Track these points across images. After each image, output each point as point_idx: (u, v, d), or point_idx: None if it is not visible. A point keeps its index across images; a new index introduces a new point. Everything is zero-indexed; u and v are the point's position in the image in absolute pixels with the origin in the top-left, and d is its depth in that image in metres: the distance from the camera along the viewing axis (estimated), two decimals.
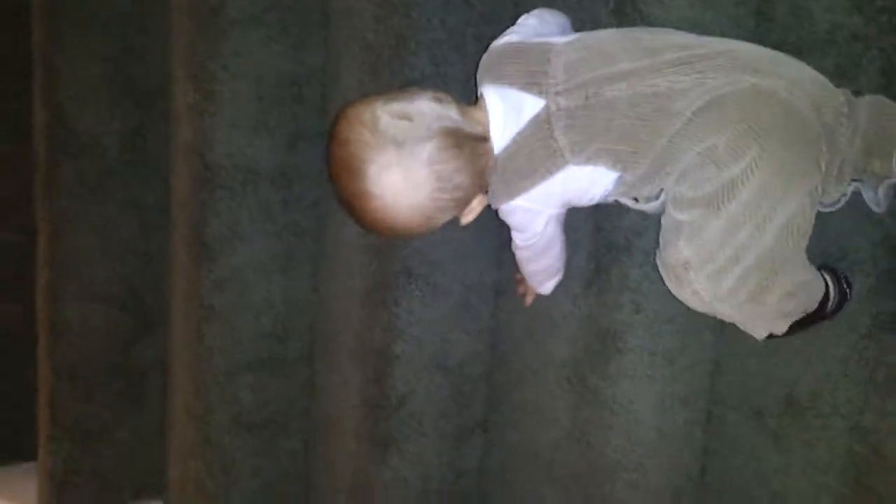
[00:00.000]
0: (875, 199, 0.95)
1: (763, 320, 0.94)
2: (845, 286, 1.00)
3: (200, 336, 1.36)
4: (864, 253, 1.02)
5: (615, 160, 0.89)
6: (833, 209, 0.96)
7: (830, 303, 0.99)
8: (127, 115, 1.43)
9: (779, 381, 1.10)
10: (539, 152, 0.90)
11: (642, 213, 1.06)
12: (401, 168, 0.87)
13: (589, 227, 1.11)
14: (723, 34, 1.05)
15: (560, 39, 0.94)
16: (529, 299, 1.18)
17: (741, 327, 0.96)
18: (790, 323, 0.96)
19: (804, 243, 0.89)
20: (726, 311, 0.91)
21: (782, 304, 0.91)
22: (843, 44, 1.01)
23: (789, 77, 0.87)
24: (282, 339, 1.37)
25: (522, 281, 1.17)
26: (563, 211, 0.99)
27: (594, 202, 0.97)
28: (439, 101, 0.91)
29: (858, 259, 1.02)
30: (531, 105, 0.90)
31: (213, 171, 1.28)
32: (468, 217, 0.96)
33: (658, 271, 1.07)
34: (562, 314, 1.17)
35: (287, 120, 1.29)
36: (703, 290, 0.88)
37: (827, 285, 0.98)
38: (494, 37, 1.16)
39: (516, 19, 1.15)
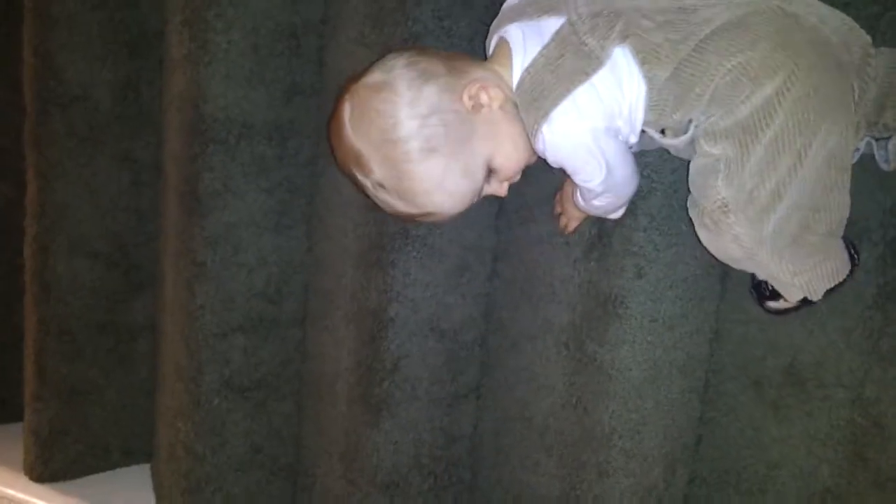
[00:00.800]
0: (885, 157, 0.92)
1: (802, 275, 0.90)
2: (854, 253, 0.98)
3: (191, 294, 1.32)
4: (874, 220, 1.00)
5: (642, 45, 0.84)
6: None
7: None
8: (119, 65, 1.38)
9: (780, 351, 1.09)
10: (569, 58, 0.85)
11: (647, 178, 1.03)
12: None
13: None
14: None
15: None
16: (573, 226, 1.09)
17: (775, 284, 0.93)
18: (827, 286, 0.92)
19: (846, 178, 0.86)
20: (765, 259, 0.86)
21: (823, 248, 0.88)
22: (861, 5, 0.98)
23: (819, 12, 0.85)
24: (274, 299, 1.35)
25: (565, 210, 1.08)
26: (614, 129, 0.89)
27: (635, 129, 0.90)
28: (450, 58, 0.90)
29: (867, 227, 1.00)
30: (552, 24, 0.87)
31: (206, 124, 1.25)
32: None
33: (662, 237, 1.06)
34: (561, 279, 1.14)
35: (284, 73, 1.25)
36: (745, 233, 0.84)
37: None
38: None
39: None
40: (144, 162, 1.44)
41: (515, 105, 0.90)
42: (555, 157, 0.89)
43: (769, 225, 0.84)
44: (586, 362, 1.13)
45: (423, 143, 0.89)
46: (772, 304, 1.03)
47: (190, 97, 1.25)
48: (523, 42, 0.88)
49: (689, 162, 0.90)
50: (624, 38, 0.85)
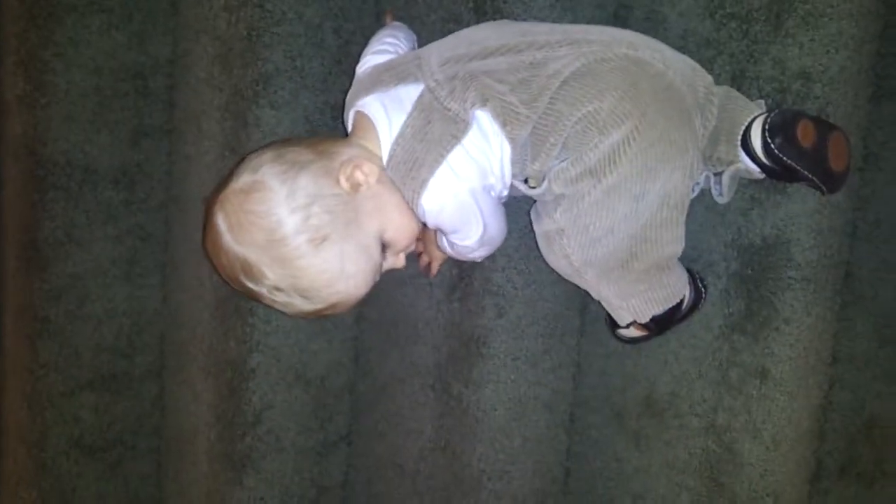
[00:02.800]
0: (720, 190, 0.96)
1: (629, 299, 0.92)
2: (701, 286, 1.01)
3: (34, 352, 1.23)
4: (717, 254, 1.04)
5: (501, 108, 0.85)
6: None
7: (685, 303, 1.00)
8: None
9: (638, 383, 1.11)
10: (436, 125, 0.85)
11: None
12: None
13: None
14: None
15: (425, 48, 0.92)
16: (436, 267, 1.09)
17: (605, 306, 0.96)
18: (654, 312, 0.95)
19: (681, 217, 0.90)
20: (593, 279, 0.90)
21: (651, 277, 0.91)
22: (694, 50, 1.03)
23: (663, 53, 0.88)
24: (127, 353, 1.27)
25: (427, 251, 1.07)
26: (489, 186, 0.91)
27: (506, 184, 0.91)
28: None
29: (711, 260, 1.04)
30: (412, 93, 0.87)
31: (46, 169, 1.17)
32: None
33: (520, 275, 1.07)
34: (425, 320, 1.13)
35: (129, 114, 1.19)
36: (575, 256, 0.88)
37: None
38: (354, 31, 1.12)
39: (377, 15, 1.12)
40: None
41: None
42: (435, 221, 0.89)
43: (599, 252, 0.87)
44: (453, 404, 1.12)
45: (313, 234, 0.85)
46: (623, 332, 1.05)
47: (27, 141, 1.17)
48: (386, 114, 0.87)
49: None
50: (484, 101, 0.86)
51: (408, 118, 0.86)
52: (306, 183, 0.86)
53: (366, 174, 0.87)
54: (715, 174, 0.97)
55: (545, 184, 0.88)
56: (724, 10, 1.01)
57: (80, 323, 1.23)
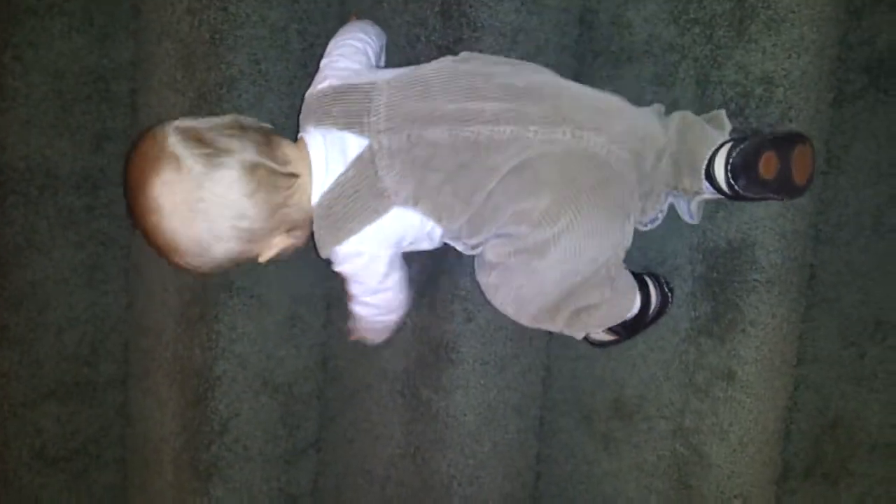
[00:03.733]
0: (688, 213, 0.98)
1: (566, 329, 0.95)
2: (667, 290, 1.02)
3: None
4: (682, 258, 1.05)
5: (433, 207, 0.87)
6: (651, 227, 0.98)
7: (652, 308, 1.00)
8: None
9: (607, 386, 1.11)
10: (364, 194, 0.86)
11: None
12: (179, 190, 0.81)
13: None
14: (547, 41, 1.06)
15: (382, 76, 0.90)
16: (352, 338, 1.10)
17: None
18: (595, 331, 1.00)
19: (619, 271, 0.92)
20: (528, 323, 0.94)
21: (579, 316, 0.93)
22: (659, 54, 1.04)
23: (610, 132, 0.87)
24: (90, 361, 1.24)
25: (354, 330, 1.07)
26: (399, 253, 0.93)
27: (435, 245, 0.94)
28: (242, 129, 0.85)
29: (677, 264, 1.05)
30: (355, 144, 0.87)
31: (5, 175, 1.14)
32: (265, 255, 0.89)
33: None
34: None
35: (91, 119, 1.17)
36: (509, 308, 0.93)
37: (648, 290, 0.99)
38: (318, 34, 1.11)
39: (342, 18, 1.11)
40: None
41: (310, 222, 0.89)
42: (337, 266, 0.91)
43: (531, 308, 0.91)
44: (422, 410, 1.11)
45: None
46: (593, 336, 1.06)
47: None
48: (325, 159, 0.87)
49: None
50: (416, 202, 0.86)
51: (342, 176, 0.87)
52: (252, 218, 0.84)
53: (293, 243, 0.89)
54: (678, 196, 0.98)
55: (479, 249, 0.92)
56: (688, 16, 1.02)
57: (41, 331, 1.20)
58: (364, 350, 1.16)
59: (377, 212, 0.87)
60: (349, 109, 0.87)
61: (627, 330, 1.03)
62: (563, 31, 1.07)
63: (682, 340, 1.05)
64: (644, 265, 1.05)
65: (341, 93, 0.89)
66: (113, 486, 1.32)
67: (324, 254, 0.89)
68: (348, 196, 0.86)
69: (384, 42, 1.05)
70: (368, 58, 0.98)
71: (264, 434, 1.18)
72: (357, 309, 0.99)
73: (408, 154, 0.85)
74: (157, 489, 1.23)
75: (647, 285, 1.01)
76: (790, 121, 0.99)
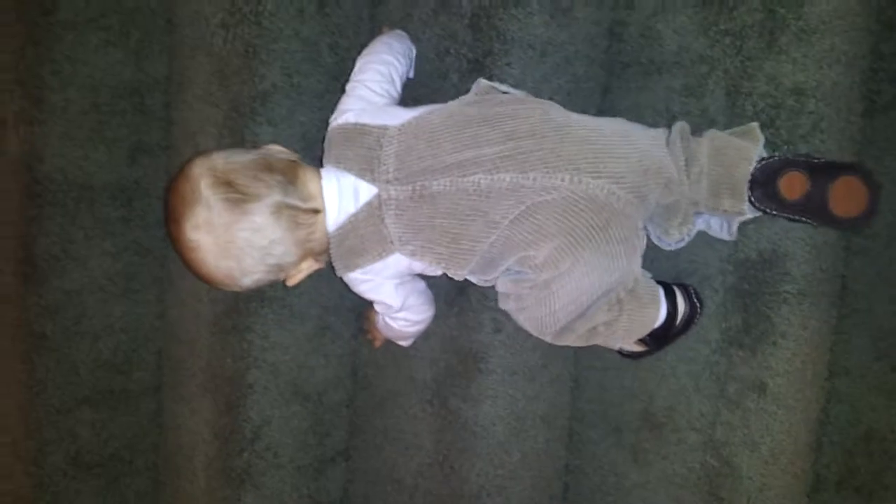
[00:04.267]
0: (727, 232, 0.98)
1: (590, 342, 0.97)
2: (696, 300, 1.02)
3: (30, 368, 1.22)
4: (713, 268, 1.04)
5: (438, 259, 0.91)
6: (675, 248, 0.98)
7: (679, 318, 1.00)
8: None
9: (636, 397, 1.11)
10: (370, 237, 0.91)
11: None
12: (210, 231, 0.86)
13: None
14: (577, 53, 1.06)
15: (395, 120, 0.93)
16: (379, 343, 1.16)
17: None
18: (625, 344, 1.00)
19: (624, 295, 0.94)
20: (550, 340, 0.97)
21: (599, 333, 0.95)
22: (689, 65, 1.04)
23: (611, 173, 0.88)
24: (124, 369, 1.26)
25: (372, 328, 1.14)
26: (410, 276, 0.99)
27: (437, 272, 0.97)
28: (269, 170, 0.88)
29: (707, 274, 1.05)
30: (366, 189, 0.92)
31: (42, 186, 1.17)
32: (293, 280, 0.95)
33: None
34: (423, 336, 1.13)
35: (127, 131, 1.19)
36: (531, 328, 0.97)
37: (675, 300, 0.99)
38: (350, 48, 1.13)
39: (372, 32, 1.13)
40: None
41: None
42: (354, 289, 0.97)
43: (549, 328, 0.94)
44: (451, 419, 1.12)
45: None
46: (623, 347, 1.05)
47: (24, 158, 1.17)
48: (338, 199, 0.91)
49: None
50: (421, 256, 0.91)
51: (353, 216, 0.91)
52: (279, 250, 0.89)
53: (309, 268, 0.94)
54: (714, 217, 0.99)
55: (493, 283, 0.97)
56: (717, 27, 1.02)
57: (77, 339, 1.22)
58: (393, 360, 1.18)
59: (381, 256, 0.92)
60: (362, 155, 0.92)
61: (656, 340, 1.03)
62: (592, 44, 1.08)
63: (712, 352, 1.05)
64: (674, 275, 1.05)
65: (358, 133, 0.93)
66: (146, 492, 1.33)
67: (339, 275, 0.95)
68: (357, 235, 0.91)
69: (413, 56, 1.06)
70: (392, 82, 1.00)
71: (295, 442, 1.19)
72: (383, 322, 1.04)
73: (414, 209, 0.90)
74: (189, 496, 1.24)
75: (674, 295, 1.00)
76: (821, 132, 0.99)
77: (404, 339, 1.09)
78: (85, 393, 1.25)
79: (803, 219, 0.93)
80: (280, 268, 0.90)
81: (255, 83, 1.08)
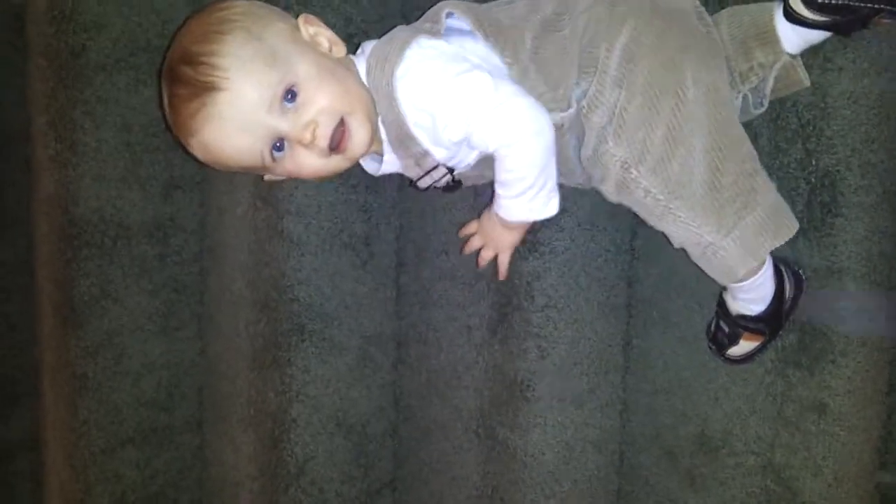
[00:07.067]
0: (760, 100, 0.92)
1: (733, 230, 0.84)
2: (798, 270, 0.97)
3: (73, 409, 1.22)
4: None
5: (497, 33, 0.86)
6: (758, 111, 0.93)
7: (788, 292, 0.95)
8: None
9: (689, 420, 1.08)
10: (407, 29, 0.88)
11: (542, 258, 1.02)
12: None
13: (487, 273, 1.05)
14: None
15: None
16: (504, 270, 0.99)
17: (709, 267, 0.88)
18: (766, 242, 0.86)
19: (732, 112, 0.87)
20: (684, 212, 0.84)
21: (742, 188, 0.84)
22: None
23: None
24: (166, 406, 1.26)
25: (486, 235, 0.98)
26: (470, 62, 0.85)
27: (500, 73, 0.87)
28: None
29: None
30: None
31: (78, 227, 1.17)
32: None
33: (560, 313, 1.05)
34: (466, 364, 1.11)
35: (160, 168, 1.19)
36: (652, 185, 0.83)
37: (782, 277, 0.94)
38: None
39: None
40: (13, 267, 1.33)
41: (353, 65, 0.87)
42: (419, 101, 0.83)
43: (674, 172, 0.83)
44: (499, 450, 1.09)
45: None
46: (734, 350, 1.00)
47: (59, 200, 1.17)
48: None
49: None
50: (483, 27, 0.86)
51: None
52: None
53: (330, 42, 0.87)
54: (752, 89, 0.92)
55: (571, 110, 0.85)
56: None
57: (119, 378, 1.22)
58: (436, 390, 1.16)
59: (427, 32, 0.86)
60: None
61: (769, 324, 0.96)
62: None
63: (767, 372, 1.01)
64: None
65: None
66: None
67: (396, 94, 0.83)
68: (389, 35, 0.87)
69: None
70: None
71: (340, 475, 1.18)
72: (494, 206, 0.90)
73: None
74: None
75: (779, 270, 0.93)
76: None
77: (530, 193, 0.86)
78: (128, 433, 1.25)
79: (873, 4, 0.82)
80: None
81: None
